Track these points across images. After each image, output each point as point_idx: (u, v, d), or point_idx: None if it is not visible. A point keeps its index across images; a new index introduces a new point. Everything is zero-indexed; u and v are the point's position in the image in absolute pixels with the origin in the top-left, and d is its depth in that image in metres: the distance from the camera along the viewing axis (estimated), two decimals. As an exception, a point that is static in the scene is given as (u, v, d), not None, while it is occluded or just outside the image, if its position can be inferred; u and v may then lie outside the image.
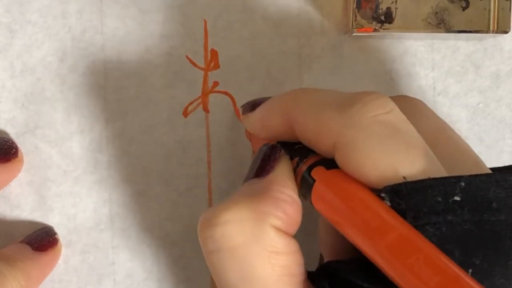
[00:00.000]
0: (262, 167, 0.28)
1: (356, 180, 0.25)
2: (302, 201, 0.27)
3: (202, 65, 0.36)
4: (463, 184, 0.23)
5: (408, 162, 0.24)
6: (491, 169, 0.29)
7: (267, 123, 0.30)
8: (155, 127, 0.36)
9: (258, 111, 0.31)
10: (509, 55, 0.37)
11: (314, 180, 0.26)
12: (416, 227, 0.23)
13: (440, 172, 0.25)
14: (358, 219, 0.24)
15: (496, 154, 0.37)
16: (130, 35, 0.36)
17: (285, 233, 0.26)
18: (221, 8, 0.36)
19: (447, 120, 0.37)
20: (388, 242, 0.22)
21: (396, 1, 0.34)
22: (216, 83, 0.36)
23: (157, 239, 0.36)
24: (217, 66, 0.36)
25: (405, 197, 0.23)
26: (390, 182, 0.24)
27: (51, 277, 0.36)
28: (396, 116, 0.26)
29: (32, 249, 0.34)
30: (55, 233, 0.36)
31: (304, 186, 0.27)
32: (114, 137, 0.36)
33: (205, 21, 0.36)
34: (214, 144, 0.37)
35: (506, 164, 0.37)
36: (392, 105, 0.26)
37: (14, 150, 0.35)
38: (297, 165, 0.28)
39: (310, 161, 0.28)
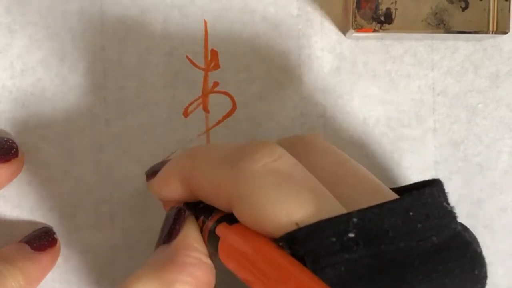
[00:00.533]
0: (169, 232, 0.29)
1: (257, 232, 0.25)
2: (215, 259, 0.28)
3: (202, 65, 0.36)
4: (355, 220, 0.24)
5: (300, 207, 0.24)
6: (403, 188, 0.29)
7: (168, 188, 0.31)
8: (155, 127, 0.36)
9: (158, 178, 0.32)
10: (508, 55, 0.37)
11: (219, 238, 0.27)
12: (315, 271, 0.23)
13: (336, 210, 0.25)
14: (260, 273, 0.24)
15: (496, 154, 0.37)
16: (130, 35, 0.36)
17: None
18: (221, 8, 0.36)
19: (446, 121, 0.37)
20: None
21: (395, 2, 0.34)
22: (216, 83, 0.37)
23: (157, 239, 0.36)
24: (217, 66, 0.37)
25: (302, 243, 0.23)
26: (286, 229, 0.24)
27: (51, 277, 0.36)
28: (285, 161, 0.26)
29: (31, 248, 0.34)
30: (54, 233, 0.36)
31: (212, 243, 0.28)
32: (114, 137, 0.36)
33: (205, 21, 0.36)
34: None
35: (505, 164, 0.37)
36: (279, 151, 0.26)
37: (14, 150, 0.35)
38: (203, 224, 0.29)
39: (215, 217, 0.28)
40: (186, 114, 0.36)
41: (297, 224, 0.24)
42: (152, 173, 0.32)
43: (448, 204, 0.26)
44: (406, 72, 0.37)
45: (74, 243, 0.36)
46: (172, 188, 0.30)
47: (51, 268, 0.36)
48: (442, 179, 0.36)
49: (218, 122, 0.37)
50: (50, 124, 0.36)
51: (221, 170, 0.27)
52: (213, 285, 0.28)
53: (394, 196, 0.27)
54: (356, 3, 0.34)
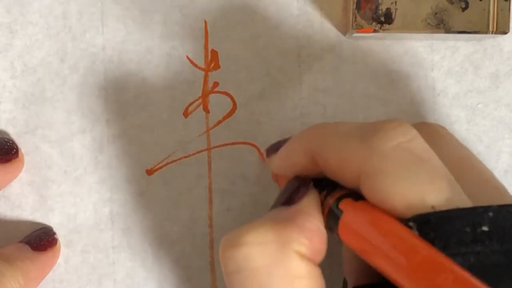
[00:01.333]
0: (291, 196, 0.28)
1: (383, 211, 0.25)
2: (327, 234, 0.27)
3: (203, 66, 0.36)
4: (491, 214, 0.23)
5: (434, 191, 0.24)
6: None
7: (291, 162, 0.30)
8: (155, 127, 0.36)
9: (282, 151, 0.31)
10: (508, 55, 0.37)
11: (341, 212, 0.26)
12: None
13: (465, 202, 0.24)
14: (386, 245, 0.23)
15: (495, 154, 0.37)
16: (131, 35, 0.36)
17: (309, 260, 0.26)
18: (221, 8, 0.36)
19: (446, 121, 0.37)
20: (415, 263, 0.22)
21: (395, 2, 0.34)
22: (216, 84, 0.37)
23: (157, 239, 0.36)
24: (217, 67, 0.37)
25: (434, 227, 0.23)
26: (417, 211, 0.23)
27: (52, 276, 0.36)
28: (419, 144, 0.26)
29: (31, 248, 0.34)
30: (54, 233, 0.36)
31: (331, 219, 0.27)
32: (114, 137, 0.36)
33: (205, 21, 0.36)
34: (214, 144, 0.37)
35: (505, 164, 0.37)
36: (414, 133, 0.26)
37: (14, 150, 0.35)
38: (325, 199, 0.28)
39: (337, 194, 0.28)
40: (186, 114, 0.37)
41: (433, 207, 0.23)
42: (274, 149, 0.32)
43: None
44: (406, 72, 0.37)
45: (74, 243, 0.36)
46: (296, 161, 0.30)
47: (51, 268, 0.36)
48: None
49: (218, 122, 0.37)
50: (50, 124, 0.36)
51: (353, 144, 0.26)
52: (323, 255, 0.27)
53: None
54: (356, 3, 0.34)
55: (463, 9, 0.34)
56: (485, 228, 0.23)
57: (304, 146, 0.29)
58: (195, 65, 0.36)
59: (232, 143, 0.37)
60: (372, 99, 0.37)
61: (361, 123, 0.28)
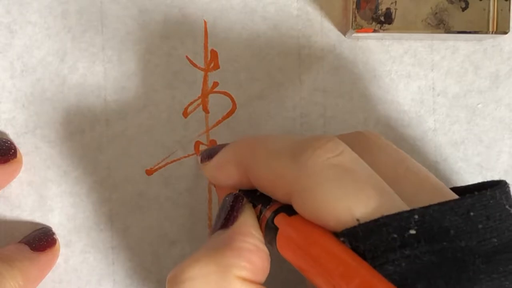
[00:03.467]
0: (226, 218, 0.29)
1: (317, 226, 0.25)
2: (270, 247, 0.28)
3: (202, 66, 0.36)
4: (416, 217, 0.24)
5: (361, 203, 0.24)
6: (464, 187, 0.29)
7: (223, 173, 0.31)
8: (155, 127, 0.36)
9: (214, 160, 0.32)
10: (508, 55, 0.37)
11: (277, 228, 0.27)
12: (375, 267, 0.23)
13: (397, 206, 0.25)
14: (322, 267, 0.24)
15: (495, 155, 0.37)
16: (130, 35, 0.36)
17: (252, 282, 0.26)
18: (221, 8, 0.36)
19: (446, 121, 0.37)
20: None
21: (395, 2, 0.34)
22: (216, 84, 0.37)
23: (157, 239, 0.36)
24: (217, 67, 0.37)
25: (362, 239, 0.24)
26: (347, 225, 0.24)
27: (51, 277, 0.36)
28: (347, 157, 0.26)
29: (31, 249, 0.34)
30: (53, 233, 0.36)
31: (269, 233, 0.28)
32: (114, 137, 0.36)
33: (205, 21, 0.36)
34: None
35: (505, 164, 0.37)
36: (342, 146, 0.26)
37: (12, 150, 0.35)
38: (260, 212, 0.29)
39: (273, 207, 0.28)
40: (186, 114, 0.37)
41: (358, 220, 0.24)
42: (208, 156, 0.32)
43: (511, 206, 0.26)
44: (406, 72, 0.37)
45: (74, 243, 0.36)
46: (228, 174, 0.30)
47: (51, 268, 0.36)
48: (442, 179, 0.37)
49: (218, 122, 0.37)
50: (50, 125, 0.36)
51: (282, 162, 0.27)
52: (267, 272, 0.27)
53: (454, 196, 0.27)
54: (356, 3, 0.34)
55: (463, 9, 0.34)
56: (412, 232, 0.23)
57: (236, 159, 0.30)
58: (195, 65, 0.36)
59: (232, 143, 0.37)
60: (372, 99, 0.37)
61: (291, 139, 0.28)
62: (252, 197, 0.30)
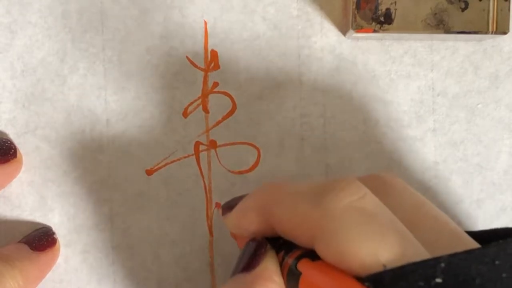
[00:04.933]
0: (248, 262, 0.29)
1: (341, 271, 0.25)
2: None
3: (202, 66, 0.36)
4: (443, 265, 0.23)
5: (386, 248, 0.24)
6: (480, 232, 0.29)
7: (245, 222, 0.31)
8: (155, 128, 0.36)
9: (235, 211, 0.32)
10: (508, 55, 0.37)
11: (301, 273, 0.27)
12: None
13: (420, 253, 0.25)
14: None
15: (495, 155, 0.37)
16: (130, 35, 0.36)
17: None
18: (221, 8, 0.36)
19: (446, 121, 0.37)
20: None
21: (395, 2, 0.34)
22: (216, 84, 0.37)
23: (157, 239, 0.36)
24: (217, 67, 0.37)
25: (389, 285, 0.23)
26: (372, 269, 0.24)
27: (51, 277, 0.36)
28: (370, 201, 0.26)
29: (31, 248, 0.34)
30: (53, 233, 0.36)
31: (291, 280, 0.28)
32: (114, 138, 0.36)
33: (205, 21, 0.36)
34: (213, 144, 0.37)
35: (504, 164, 0.37)
36: (364, 190, 0.26)
37: (12, 150, 0.35)
38: (283, 259, 0.29)
39: (296, 253, 0.28)
40: (186, 114, 0.37)
41: (384, 265, 0.24)
42: (228, 207, 0.33)
43: None
44: (405, 72, 0.37)
45: (74, 243, 0.36)
46: (250, 222, 0.30)
47: (51, 268, 0.36)
48: (442, 179, 0.37)
49: (218, 123, 0.37)
50: (50, 125, 0.36)
51: (305, 206, 0.27)
52: None
53: (473, 242, 0.27)
54: (356, 3, 0.34)
55: (463, 10, 0.34)
56: (438, 280, 0.23)
57: (257, 207, 0.30)
58: (195, 65, 0.36)
59: (232, 143, 0.37)
60: (372, 99, 0.37)
61: (313, 182, 0.28)
62: (275, 244, 0.30)
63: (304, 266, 0.27)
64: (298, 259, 0.27)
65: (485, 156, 0.37)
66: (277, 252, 0.29)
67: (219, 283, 0.36)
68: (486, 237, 0.26)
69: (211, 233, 0.37)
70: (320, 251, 0.26)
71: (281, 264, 0.29)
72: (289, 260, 0.28)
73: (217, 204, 0.35)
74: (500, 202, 0.38)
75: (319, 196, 0.26)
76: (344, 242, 0.25)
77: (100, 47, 0.36)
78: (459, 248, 0.24)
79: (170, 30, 0.36)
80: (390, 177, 0.31)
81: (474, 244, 0.27)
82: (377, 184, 0.29)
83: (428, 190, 0.37)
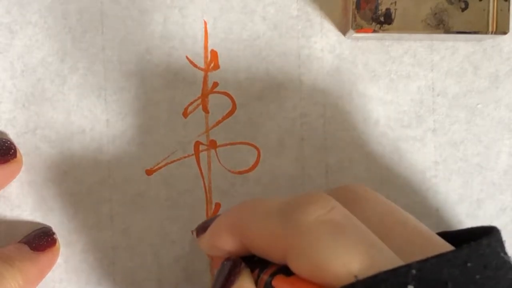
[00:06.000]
0: (224, 282, 0.29)
1: (315, 284, 0.25)
2: None
3: (202, 66, 0.36)
4: (414, 271, 0.23)
5: (357, 259, 0.24)
6: (446, 233, 0.29)
7: (219, 242, 0.31)
8: (155, 128, 0.36)
9: (209, 232, 0.32)
10: (508, 56, 0.37)
11: None
12: None
13: (391, 261, 0.25)
14: None
15: (495, 155, 0.37)
16: (130, 35, 0.36)
17: None
18: (221, 8, 0.36)
19: (446, 121, 0.37)
20: None
21: (395, 2, 0.34)
22: (216, 84, 0.37)
23: (157, 239, 0.36)
24: (217, 67, 0.37)
25: None
26: (344, 281, 0.24)
27: (52, 276, 0.36)
28: (338, 213, 0.26)
29: (30, 249, 0.34)
30: (53, 233, 0.36)
31: None
32: (114, 138, 0.36)
33: (205, 21, 0.36)
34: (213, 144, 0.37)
35: (504, 164, 0.37)
36: (332, 203, 0.27)
37: (12, 151, 0.35)
38: (258, 276, 0.29)
39: (271, 270, 0.28)
40: (186, 114, 0.37)
41: (355, 276, 0.24)
42: (202, 229, 0.33)
43: (506, 253, 0.26)
44: (405, 72, 0.37)
45: (74, 243, 0.36)
46: (223, 242, 0.30)
47: (50, 268, 0.36)
48: (442, 179, 0.37)
49: (218, 123, 0.37)
50: (50, 125, 0.36)
51: (275, 223, 0.27)
52: None
53: (446, 245, 0.27)
54: (356, 3, 0.34)
55: (463, 10, 0.34)
56: (410, 287, 0.23)
57: (229, 227, 0.30)
58: (195, 65, 0.36)
59: (232, 143, 0.37)
60: (372, 99, 0.37)
61: (282, 199, 0.28)
62: (250, 262, 0.30)
63: (279, 282, 0.27)
64: (273, 275, 0.27)
65: (485, 156, 0.37)
66: (252, 270, 0.29)
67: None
68: (464, 237, 0.26)
69: (211, 233, 0.37)
70: (293, 266, 0.26)
71: (257, 282, 0.29)
72: (264, 277, 0.28)
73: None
74: (500, 202, 0.38)
75: (288, 212, 0.27)
76: (315, 256, 0.25)
77: (100, 47, 0.36)
78: (432, 252, 0.24)
79: (170, 30, 0.36)
80: (357, 186, 0.31)
81: (446, 247, 0.27)
82: (345, 195, 0.29)
83: (428, 190, 0.37)
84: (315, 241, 0.25)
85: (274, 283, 0.27)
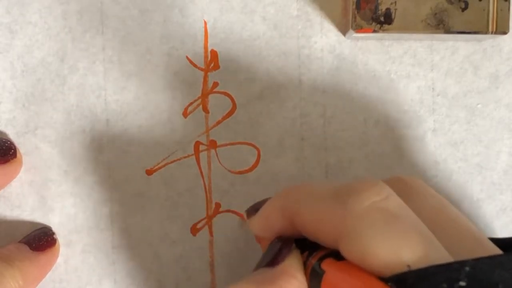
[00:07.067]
0: (273, 258, 0.29)
1: (365, 270, 0.25)
2: None
3: (202, 66, 0.36)
4: (467, 269, 0.23)
5: (410, 249, 0.24)
6: (494, 239, 0.29)
7: (270, 224, 0.31)
8: (155, 128, 0.36)
9: (260, 214, 0.32)
10: (508, 56, 0.37)
11: (324, 272, 0.27)
12: None
13: (442, 255, 0.25)
14: None
15: (495, 155, 0.37)
16: (130, 35, 0.36)
17: None
18: (221, 8, 0.36)
19: (446, 121, 0.37)
20: None
21: (395, 2, 0.34)
22: (216, 84, 0.37)
23: (157, 239, 0.36)
24: (217, 67, 0.37)
25: (412, 286, 0.23)
26: (395, 270, 0.24)
27: (52, 276, 0.36)
28: (393, 202, 0.26)
29: (30, 249, 0.34)
30: (53, 233, 0.36)
31: (314, 279, 0.28)
32: (114, 138, 0.36)
33: (205, 21, 0.36)
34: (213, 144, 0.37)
35: (504, 164, 0.37)
36: (387, 191, 0.26)
37: (12, 151, 0.35)
38: (307, 259, 0.29)
39: (320, 254, 0.28)
40: (186, 114, 0.37)
41: (408, 266, 0.24)
42: (253, 210, 0.33)
43: None
44: (405, 72, 0.37)
45: (74, 243, 0.36)
46: (275, 223, 0.30)
47: (50, 268, 0.36)
48: (442, 179, 0.37)
49: (218, 123, 0.37)
50: (50, 125, 0.36)
51: (328, 207, 0.27)
52: None
53: (495, 248, 0.27)
54: (356, 3, 0.34)
55: (463, 10, 0.34)
56: (462, 284, 0.23)
57: (281, 208, 0.30)
58: (195, 65, 0.36)
59: (232, 143, 0.37)
60: (372, 99, 0.37)
61: (336, 184, 0.28)
62: (300, 244, 0.30)
63: (328, 265, 0.27)
64: (322, 259, 0.27)
65: (485, 156, 0.37)
66: (302, 253, 0.29)
67: (219, 283, 0.36)
68: (507, 244, 0.26)
69: (211, 233, 0.37)
70: (344, 251, 0.26)
71: (305, 264, 0.29)
72: (313, 260, 0.28)
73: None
74: (500, 202, 0.38)
75: (343, 196, 0.26)
76: (368, 242, 0.25)
77: (100, 47, 0.36)
78: (481, 253, 0.24)
79: (170, 30, 0.36)
80: (412, 179, 0.31)
81: (496, 250, 0.27)
82: (400, 186, 0.29)
83: (428, 190, 0.37)
84: (368, 227, 0.25)
85: (323, 265, 0.27)
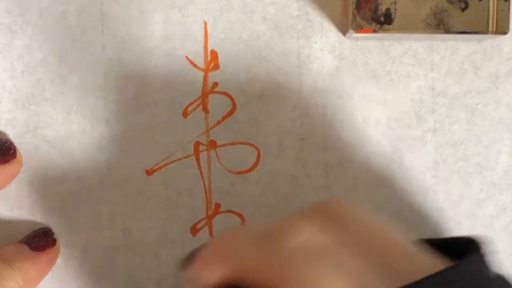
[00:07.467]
0: None
1: None
2: None
3: (202, 66, 0.36)
4: None
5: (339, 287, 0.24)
6: (429, 240, 0.29)
7: (207, 271, 0.30)
8: (155, 128, 0.36)
9: (197, 261, 0.31)
10: (508, 56, 0.37)
11: None
12: None
13: (372, 285, 0.25)
14: None
15: (495, 155, 0.37)
16: (130, 35, 0.36)
17: None
18: (221, 8, 0.36)
19: (446, 121, 0.37)
20: None
21: (395, 2, 0.34)
22: (216, 84, 0.37)
23: (157, 239, 0.36)
24: (217, 67, 0.37)
25: None
26: None
27: (51, 276, 0.36)
28: (315, 240, 0.26)
29: (30, 249, 0.34)
30: (53, 233, 0.36)
31: None
32: (114, 138, 0.36)
33: (205, 22, 0.36)
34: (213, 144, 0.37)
35: (504, 164, 0.37)
36: (308, 230, 0.26)
37: (12, 151, 0.35)
38: None
39: None
40: (185, 114, 0.37)
41: None
42: (189, 259, 0.32)
43: (489, 270, 0.26)
44: (406, 72, 0.37)
45: (74, 243, 0.36)
46: (212, 271, 0.30)
47: (50, 269, 0.36)
48: (442, 179, 0.37)
49: (218, 123, 0.37)
50: (50, 125, 0.36)
51: (254, 253, 0.27)
52: None
53: (425, 260, 0.27)
54: (356, 3, 0.34)
55: (463, 10, 0.34)
56: None
57: (215, 257, 0.30)
58: (195, 66, 0.36)
59: (232, 143, 0.37)
60: (372, 99, 0.37)
61: (261, 227, 0.28)
62: None
63: None
64: None
65: (485, 156, 0.37)
66: None
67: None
68: (448, 245, 0.26)
69: (211, 233, 0.37)
70: None
71: None
72: None
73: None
74: (500, 202, 0.38)
75: (267, 241, 0.26)
76: (296, 285, 0.25)
77: (100, 47, 0.36)
78: (412, 271, 0.24)
79: (170, 30, 0.36)
80: (334, 204, 0.30)
81: (426, 265, 0.26)
82: (324, 213, 0.29)
83: (428, 190, 0.37)
84: (294, 269, 0.25)
85: None
